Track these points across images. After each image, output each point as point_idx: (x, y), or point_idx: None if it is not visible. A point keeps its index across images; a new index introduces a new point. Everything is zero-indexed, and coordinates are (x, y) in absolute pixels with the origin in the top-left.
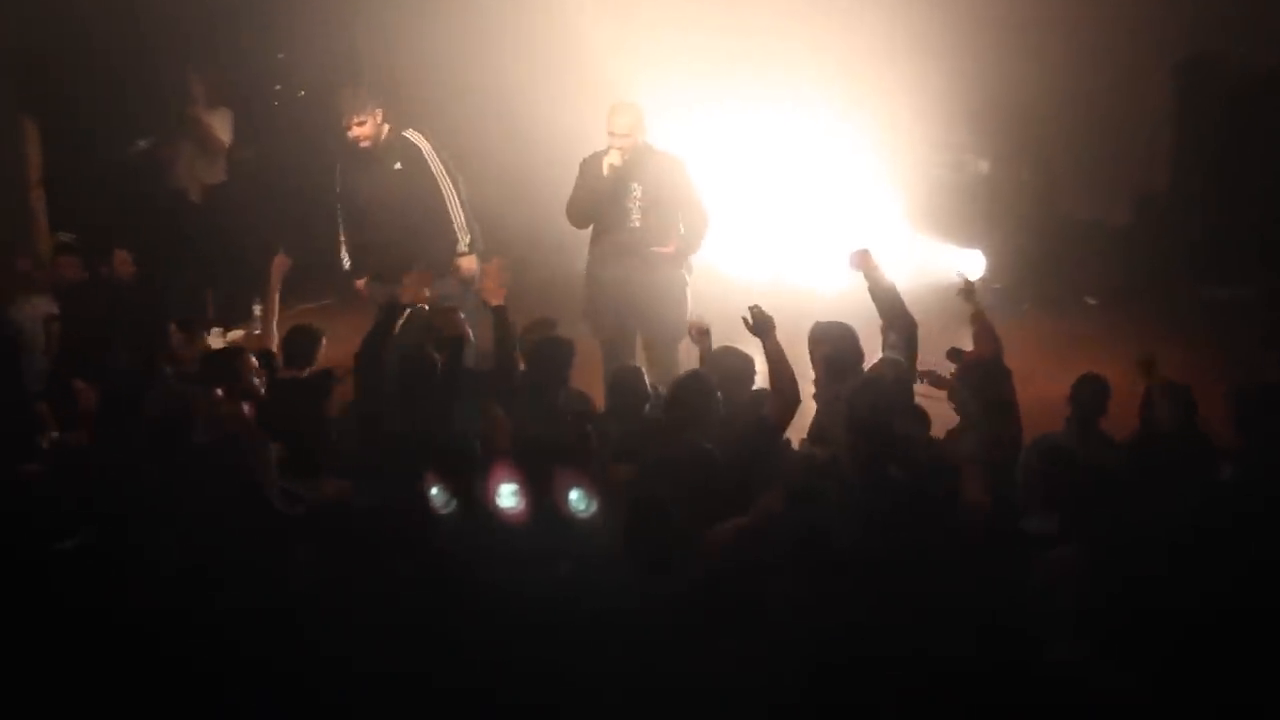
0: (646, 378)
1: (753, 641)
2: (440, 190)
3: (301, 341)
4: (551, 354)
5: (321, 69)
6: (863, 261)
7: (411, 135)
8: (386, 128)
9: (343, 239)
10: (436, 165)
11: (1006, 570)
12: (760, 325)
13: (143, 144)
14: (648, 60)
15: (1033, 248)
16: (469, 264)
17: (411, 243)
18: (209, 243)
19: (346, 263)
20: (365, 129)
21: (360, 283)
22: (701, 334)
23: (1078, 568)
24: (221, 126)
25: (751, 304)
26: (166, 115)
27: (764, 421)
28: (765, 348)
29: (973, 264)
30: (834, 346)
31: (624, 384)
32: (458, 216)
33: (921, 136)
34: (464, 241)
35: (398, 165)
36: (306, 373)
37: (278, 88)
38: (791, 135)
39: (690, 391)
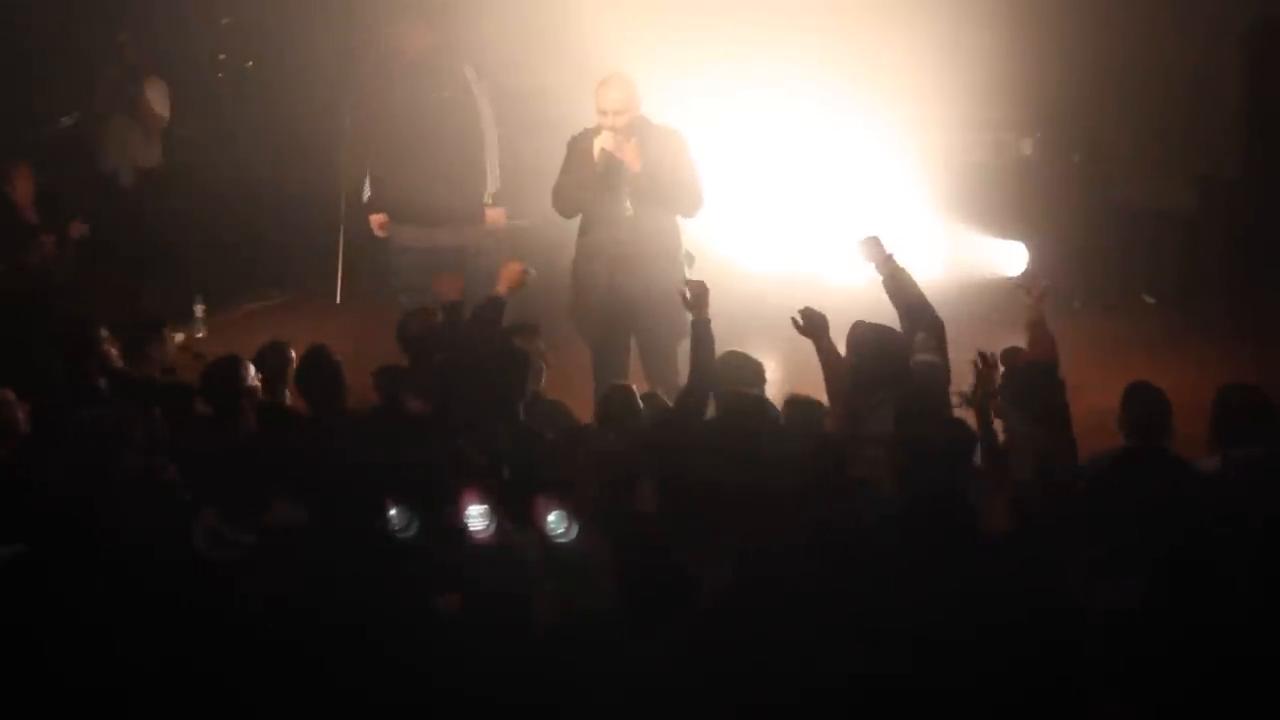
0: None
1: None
2: (482, 130)
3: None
4: (505, 368)
5: (272, 37)
6: (873, 251)
7: (467, 69)
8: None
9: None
10: (485, 104)
11: (1049, 603)
12: (813, 326)
13: (67, 120)
14: (654, 41)
15: (1083, 240)
16: (495, 215)
17: (445, 182)
18: (144, 233)
19: (366, 193)
20: (410, 41)
21: (378, 218)
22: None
23: (1142, 607)
24: (157, 100)
25: (803, 307)
26: (95, 87)
27: (829, 441)
28: (820, 350)
29: (1014, 258)
30: (871, 352)
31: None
32: (493, 167)
33: (954, 114)
34: (489, 192)
35: (446, 94)
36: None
37: (221, 57)
38: (807, 114)
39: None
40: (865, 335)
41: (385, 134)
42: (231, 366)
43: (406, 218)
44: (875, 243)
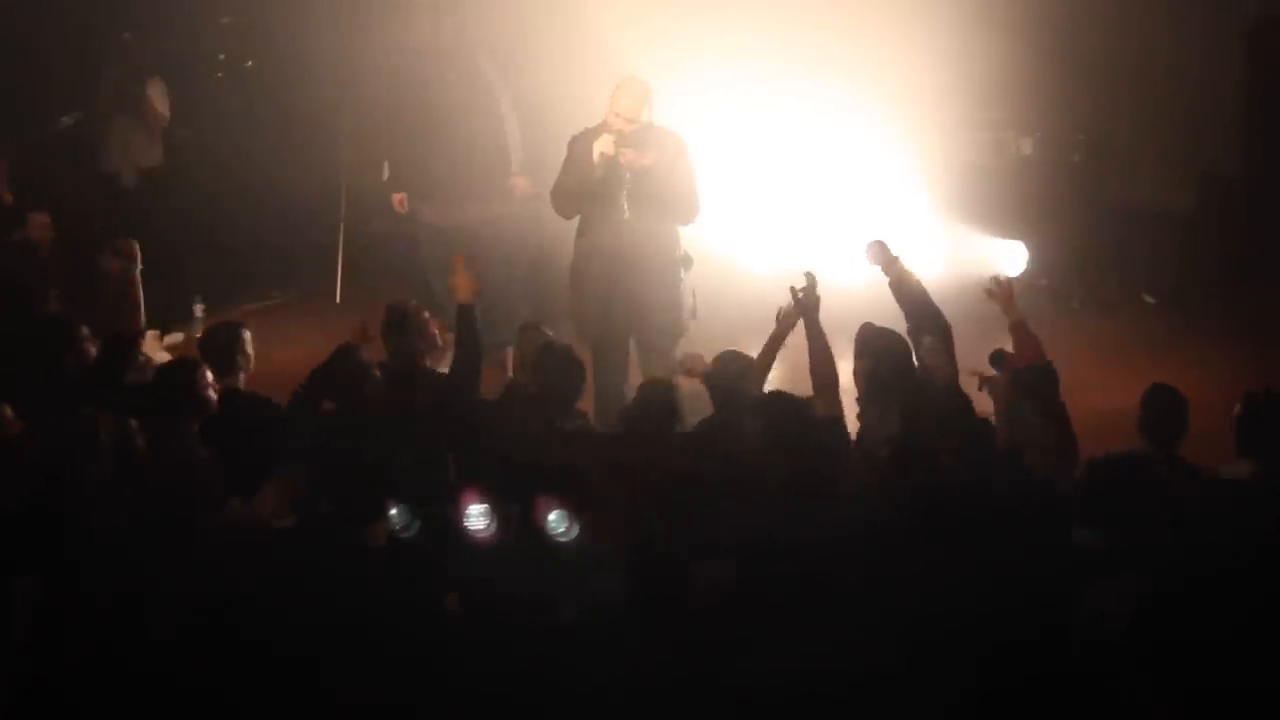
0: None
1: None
2: (498, 108)
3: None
4: (564, 373)
5: (272, 36)
6: (880, 254)
7: (479, 55)
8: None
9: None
10: (498, 83)
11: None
12: (808, 303)
13: (68, 120)
14: (656, 38)
15: (1082, 239)
16: (521, 184)
17: (465, 161)
18: (144, 233)
19: (385, 173)
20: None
21: (399, 197)
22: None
23: (1138, 600)
24: (159, 100)
25: (807, 274)
26: (98, 86)
27: (819, 420)
28: (808, 330)
29: (1014, 258)
30: (882, 356)
31: (653, 403)
32: (515, 141)
33: (954, 114)
34: (516, 160)
35: (452, 76)
36: None
37: (221, 57)
38: (807, 114)
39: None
40: (873, 338)
41: (401, 120)
42: (189, 369)
43: (429, 196)
44: (881, 246)
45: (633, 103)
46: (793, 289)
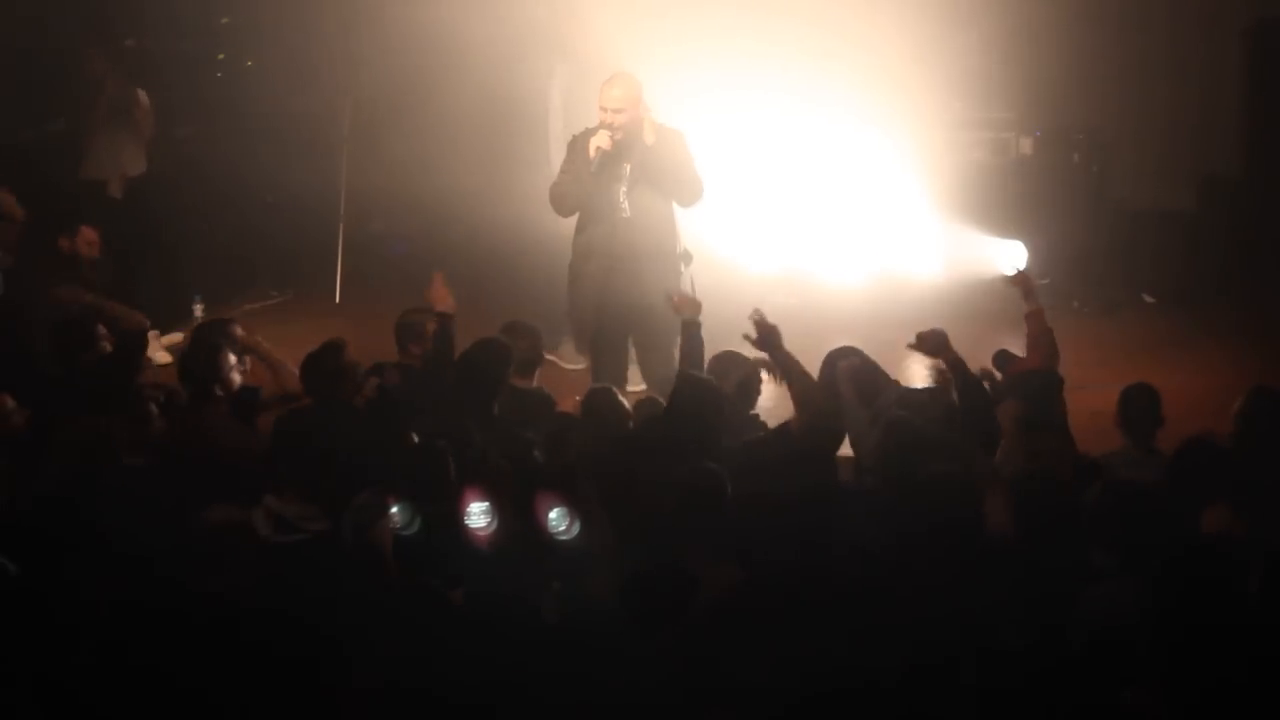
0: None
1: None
2: None
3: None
4: (484, 359)
5: (273, 37)
6: (938, 344)
7: None
8: None
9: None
10: None
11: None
12: (765, 337)
13: (56, 124)
14: (654, 40)
15: (1083, 239)
16: None
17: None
18: (135, 238)
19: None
20: None
21: None
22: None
23: (1135, 602)
24: (147, 109)
25: (753, 312)
26: (92, 89)
27: (792, 439)
28: (775, 361)
29: (1014, 257)
30: (853, 367)
31: (597, 409)
32: None
33: (955, 113)
34: None
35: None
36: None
37: (221, 57)
38: (808, 114)
39: (691, 400)
40: (844, 354)
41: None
42: (210, 355)
43: None
44: (941, 335)
45: (623, 93)
46: (746, 336)
